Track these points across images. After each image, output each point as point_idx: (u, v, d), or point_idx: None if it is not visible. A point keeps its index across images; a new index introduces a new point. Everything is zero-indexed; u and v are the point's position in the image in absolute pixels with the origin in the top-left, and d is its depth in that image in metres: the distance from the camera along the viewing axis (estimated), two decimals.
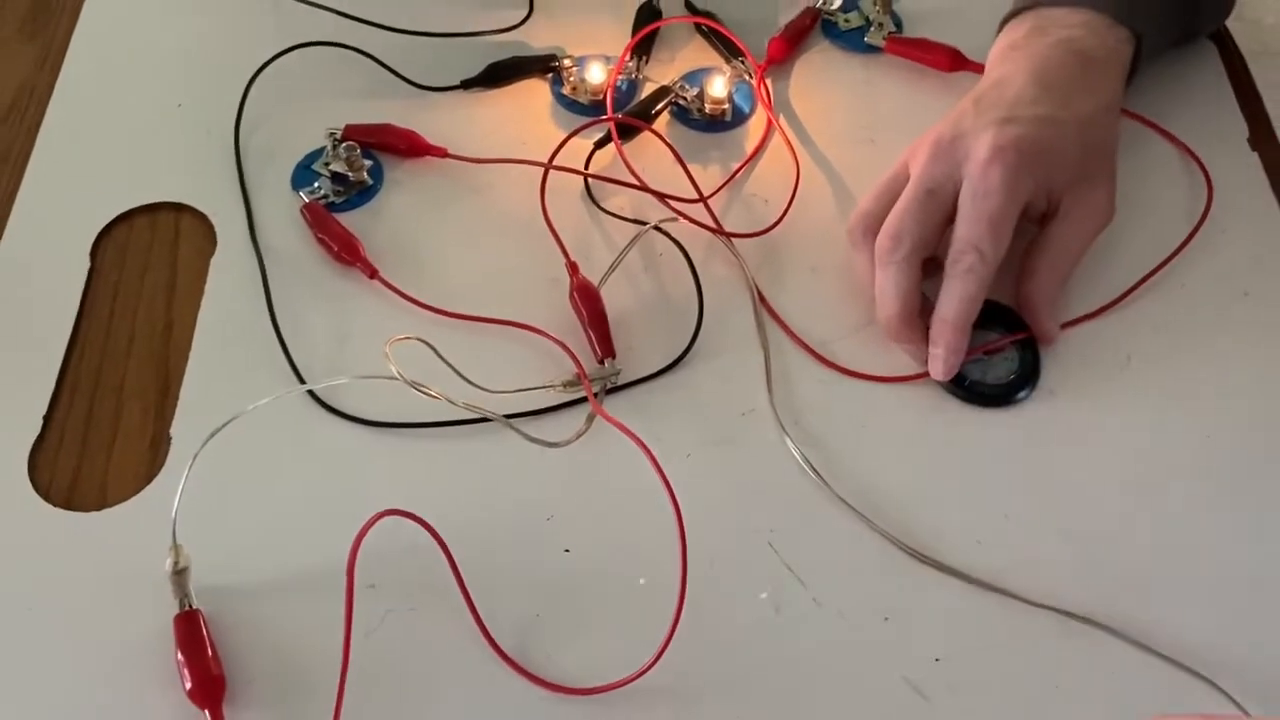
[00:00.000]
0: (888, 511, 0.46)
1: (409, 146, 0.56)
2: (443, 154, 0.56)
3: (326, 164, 0.56)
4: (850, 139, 0.57)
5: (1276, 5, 1.61)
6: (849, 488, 0.47)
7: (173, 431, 0.48)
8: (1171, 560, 0.45)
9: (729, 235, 0.53)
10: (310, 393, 0.49)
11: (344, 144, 0.55)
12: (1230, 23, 0.60)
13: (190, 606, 0.42)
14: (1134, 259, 0.53)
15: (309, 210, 0.54)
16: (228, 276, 0.53)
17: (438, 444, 0.48)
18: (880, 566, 0.45)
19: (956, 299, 0.48)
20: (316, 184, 0.55)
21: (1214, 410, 0.48)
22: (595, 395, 0.48)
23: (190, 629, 0.42)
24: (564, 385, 0.49)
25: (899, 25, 0.62)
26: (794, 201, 0.54)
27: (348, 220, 0.54)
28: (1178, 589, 0.44)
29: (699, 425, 0.48)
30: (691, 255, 0.52)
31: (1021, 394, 0.49)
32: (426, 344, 0.46)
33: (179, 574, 0.43)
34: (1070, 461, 0.47)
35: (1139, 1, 0.52)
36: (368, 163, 0.56)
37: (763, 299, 0.52)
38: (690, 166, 0.55)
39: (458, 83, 0.59)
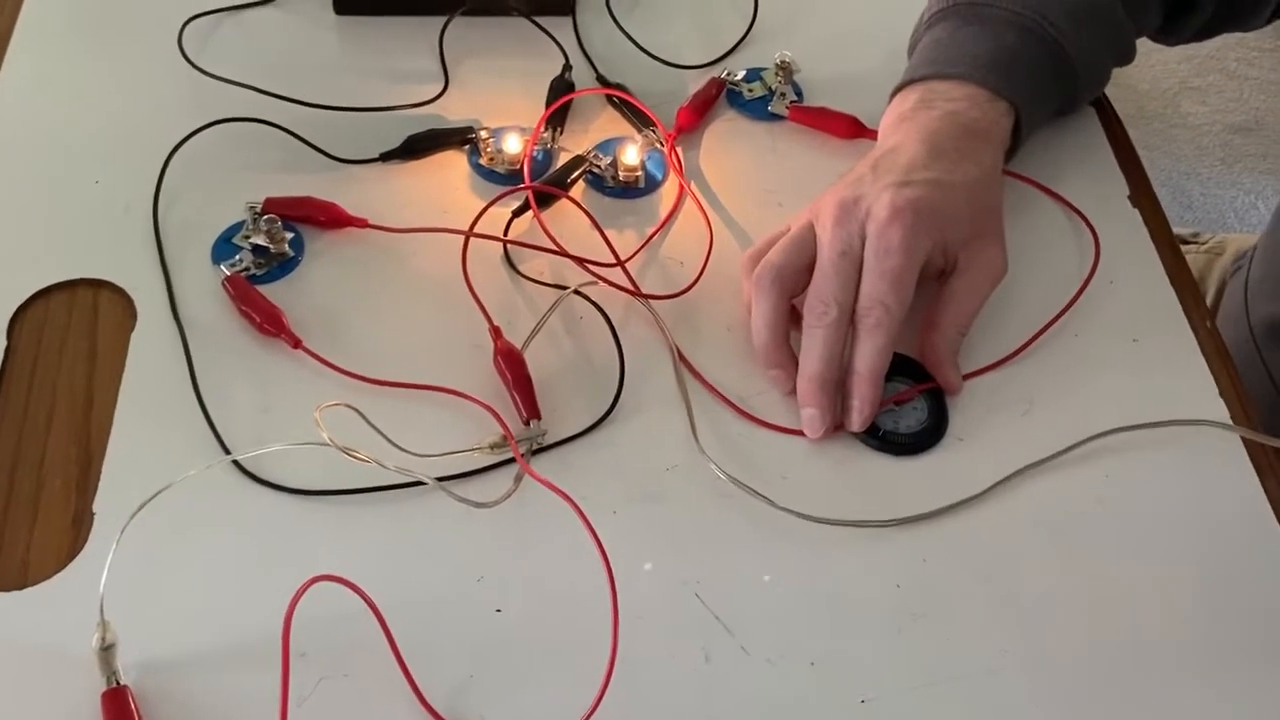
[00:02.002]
0: (810, 560, 0.47)
1: (330, 218, 0.57)
2: (364, 224, 0.57)
3: (247, 237, 0.56)
4: (758, 202, 0.59)
5: (1150, 73, 1.72)
6: (771, 537, 0.48)
7: (96, 507, 0.47)
8: (1079, 599, 0.47)
9: (647, 297, 0.55)
10: (236, 464, 0.48)
11: (264, 217, 0.56)
12: (1109, 89, 0.64)
13: (118, 683, 0.42)
14: (1030, 312, 0.55)
15: (231, 283, 0.54)
16: (149, 351, 0.52)
17: (366, 510, 0.48)
18: (805, 613, 0.46)
19: (869, 352, 0.49)
20: (238, 257, 0.56)
21: (1110, 450, 0.51)
22: (523, 456, 0.49)
23: (118, 706, 0.41)
24: (491, 447, 0.49)
25: (800, 94, 0.64)
26: (708, 263, 0.56)
27: (270, 292, 0.54)
28: (1096, 627, 0.46)
29: (624, 482, 0.49)
30: (611, 317, 0.54)
31: (932, 442, 0.51)
32: (355, 410, 0.47)
33: (106, 650, 0.42)
34: (981, 505, 0.49)
35: (1017, 77, 0.55)
36: (289, 235, 0.56)
37: (682, 357, 0.53)
38: (607, 232, 0.56)
39: (377, 155, 0.60)
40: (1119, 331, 0.55)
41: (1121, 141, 0.63)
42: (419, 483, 0.47)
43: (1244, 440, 0.51)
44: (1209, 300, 0.76)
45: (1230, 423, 0.52)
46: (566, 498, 0.44)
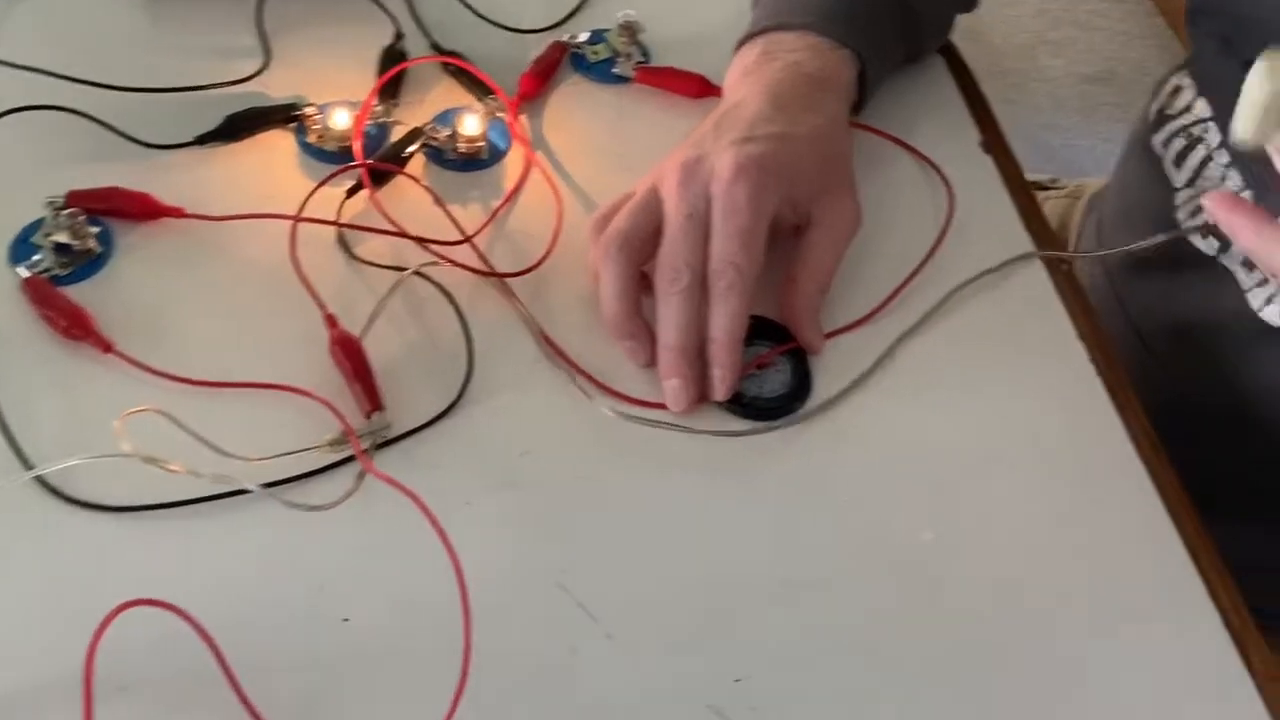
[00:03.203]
0: (679, 538, 0.46)
1: (142, 209, 0.53)
2: (180, 214, 0.53)
3: (48, 235, 0.51)
4: (608, 168, 0.57)
5: (1006, 28, 1.75)
6: (638, 518, 0.46)
7: None
8: (954, 554, 0.46)
9: (496, 274, 0.53)
10: (39, 480, 0.44)
11: (67, 212, 0.51)
12: (963, 43, 0.64)
13: None
14: (889, 267, 0.55)
15: (30, 285, 0.50)
16: None
17: (189, 524, 0.44)
18: (675, 594, 0.45)
19: (725, 316, 0.48)
20: (37, 257, 0.51)
21: (973, 400, 0.50)
22: (365, 452, 0.46)
23: None
24: (330, 444, 0.46)
25: (646, 55, 0.62)
26: (559, 235, 0.54)
27: (77, 293, 0.50)
28: (969, 578, 0.46)
29: (478, 471, 0.47)
30: (458, 297, 0.52)
31: (798, 404, 0.50)
32: (167, 415, 0.43)
33: None
34: (852, 463, 0.49)
35: (858, 25, 0.55)
36: (95, 230, 0.52)
37: (541, 333, 0.51)
38: (450, 207, 0.54)
39: (192, 139, 0.56)
40: (977, 282, 0.55)
41: (971, 90, 0.63)
42: (243, 490, 0.43)
43: (1103, 381, 0.52)
44: (1072, 244, 0.77)
45: (1091, 366, 0.52)
46: (409, 493, 0.42)
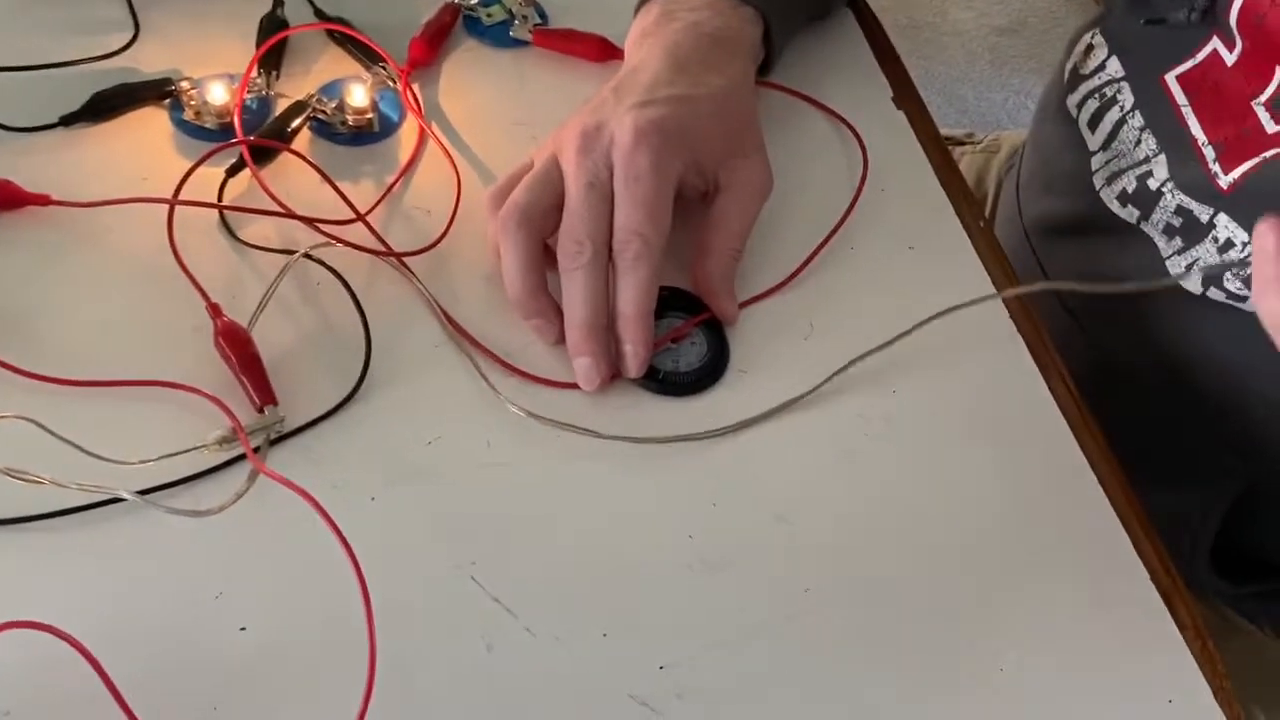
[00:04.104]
0: (595, 522, 0.45)
1: (3, 198, 0.50)
2: (45, 201, 0.50)
3: None
4: (508, 137, 0.56)
5: None
6: (552, 506, 0.45)
7: None
8: (878, 523, 0.46)
9: (393, 253, 0.51)
10: None
11: None
12: (875, 2, 0.63)
13: None
14: (804, 230, 0.54)
15: None
16: None
17: (62, 536, 0.42)
18: (593, 581, 0.43)
19: (632, 289, 0.47)
20: None
21: (894, 364, 0.49)
22: (256, 450, 0.44)
23: None
24: (219, 444, 0.44)
25: (544, 17, 0.60)
26: (458, 209, 0.53)
27: None
28: (890, 551, 0.45)
29: (382, 464, 0.46)
30: (352, 280, 0.50)
31: (715, 378, 0.49)
32: (33, 422, 0.40)
33: None
34: (768, 438, 0.48)
35: None
36: None
37: (445, 314, 0.50)
38: (340, 184, 0.52)
39: (56, 120, 0.53)
40: (895, 240, 0.54)
41: (882, 44, 0.62)
42: (118, 499, 0.41)
43: (1025, 341, 0.51)
44: (990, 200, 0.76)
45: (1012, 325, 0.52)
46: (301, 492, 0.40)
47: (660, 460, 0.47)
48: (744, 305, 0.51)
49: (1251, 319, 0.37)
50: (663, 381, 0.49)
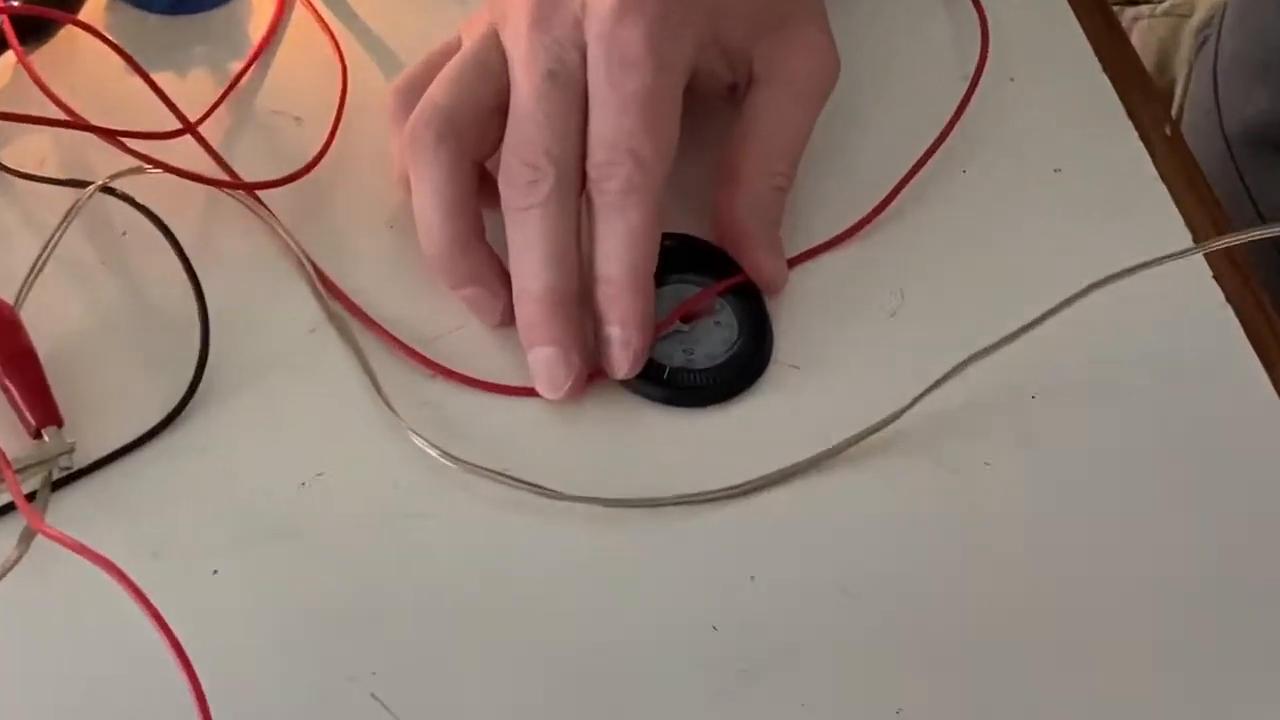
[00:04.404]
0: (562, 604, 0.46)
1: None
2: None
3: None
4: (420, 2, 0.58)
5: None
6: (495, 581, 0.46)
7: None
8: (1015, 604, 0.47)
9: (241, 184, 0.52)
10: None
11: None
12: None
13: None
14: (889, 145, 0.55)
15: None
16: None
17: None
18: (559, 706, 0.44)
19: (621, 239, 0.48)
20: None
21: (1034, 357, 0.49)
22: (32, 497, 0.45)
23: None
24: None
25: None
26: (342, 114, 0.54)
27: None
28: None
29: (228, 516, 0.47)
30: (178, 228, 0.51)
31: (750, 377, 0.50)
32: None
33: None
34: (840, 472, 0.48)
35: None
36: None
37: (323, 280, 0.51)
38: (158, 77, 0.53)
39: None
40: (1030, 159, 0.56)
41: None
42: None
43: (1239, 316, 0.52)
44: (1178, 93, 0.78)
45: (1218, 291, 0.53)
46: (103, 562, 0.40)
47: (665, 515, 0.48)
48: (794, 263, 0.52)
49: None
50: (669, 384, 0.50)
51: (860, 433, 0.48)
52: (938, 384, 0.49)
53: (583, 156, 0.48)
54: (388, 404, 0.49)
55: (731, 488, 0.48)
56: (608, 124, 0.48)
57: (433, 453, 0.48)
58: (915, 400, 0.48)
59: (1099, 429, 0.50)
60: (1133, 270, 0.49)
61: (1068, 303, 0.48)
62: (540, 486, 0.47)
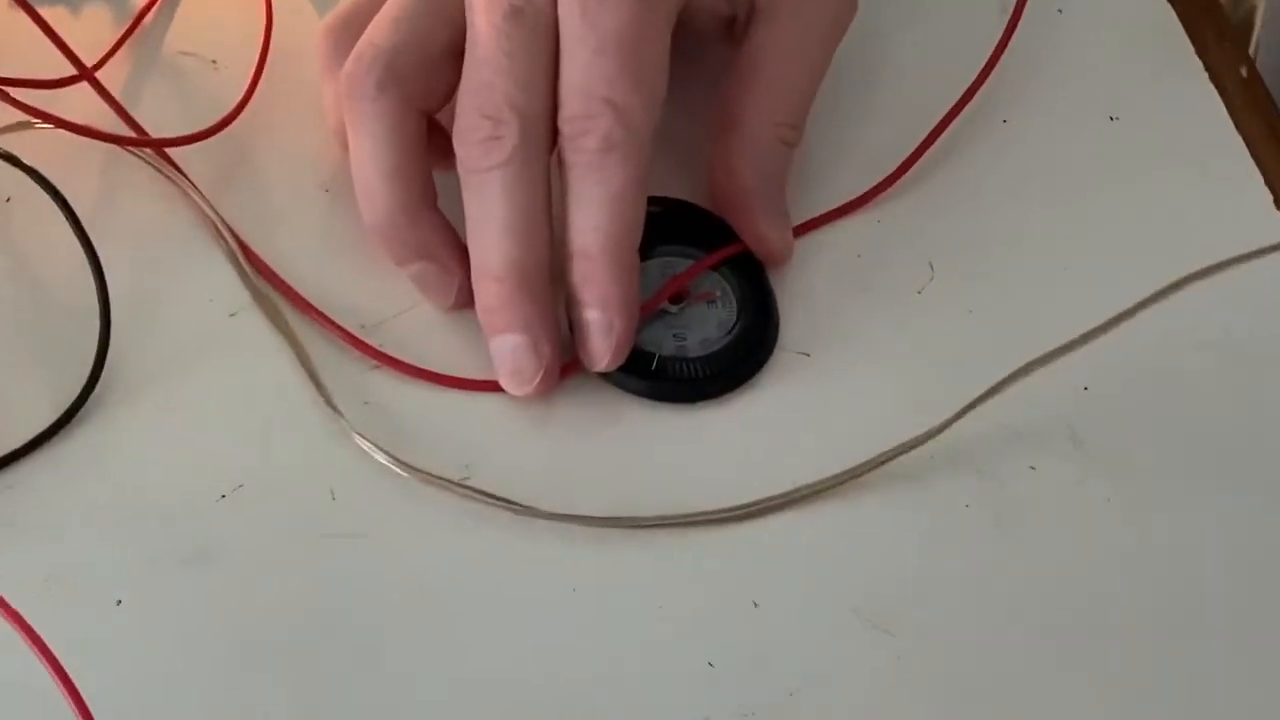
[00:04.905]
0: (536, 649, 0.44)
1: None
2: None
3: None
4: None
5: None
6: (455, 610, 0.45)
7: None
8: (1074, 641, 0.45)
9: (149, 141, 0.52)
10: None
11: None
12: None
13: None
14: (916, 91, 0.55)
15: None
16: None
17: None
18: None
19: (598, 207, 0.47)
20: None
21: (1094, 355, 0.48)
22: None
23: None
24: None
25: None
26: (267, 57, 0.54)
27: None
28: None
29: (134, 535, 0.46)
30: (71, 192, 0.50)
31: (751, 367, 0.49)
32: None
33: None
34: (864, 488, 0.47)
35: None
36: None
37: (246, 254, 0.50)
38: (47, 13, 0.53)
39: None
40: (1083, 104, 0.55)
41: None
42: None
43: None
44: (1258, 22, 0.77)
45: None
46: None
47: (652, 535, 0.47)
48: (801, 231, 0.51)
49: None
50: (657, 376, 0.49)
51: (889, 451, 0.47)
52: (992, 392, 0.47)
53: (553, 108, 0.48)
54: (326, 400, 0.48)
55: (734, 508, 0.47)
56: (582, 68, 0.47)
57: (379, 457, 0.47)
58: (962, 412, 0.47)
59: (1168, 442, 0.49)
60: (1233, 262, 0.47)
61: (1158, 296, 0.47)
62: (505, 500, 0.46)
